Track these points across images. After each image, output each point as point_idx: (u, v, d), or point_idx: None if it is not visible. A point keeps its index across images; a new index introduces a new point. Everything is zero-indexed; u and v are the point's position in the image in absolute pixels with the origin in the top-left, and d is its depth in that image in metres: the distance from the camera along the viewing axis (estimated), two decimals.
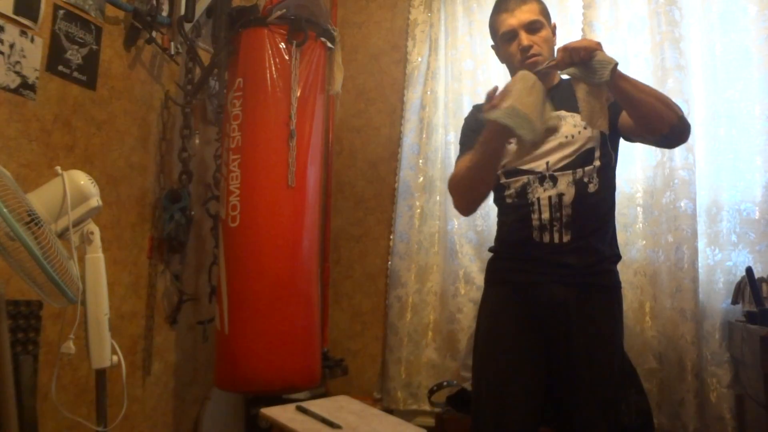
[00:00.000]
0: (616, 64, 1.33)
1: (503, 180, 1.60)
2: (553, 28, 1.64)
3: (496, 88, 1.38)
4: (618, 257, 1.61)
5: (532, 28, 1.57)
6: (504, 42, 1.61)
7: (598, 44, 1.36)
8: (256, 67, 2.18)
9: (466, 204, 1.61)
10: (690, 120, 2.15)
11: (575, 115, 1.50)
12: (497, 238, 1.67)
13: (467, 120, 1.73)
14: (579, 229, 1.51)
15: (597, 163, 1.53)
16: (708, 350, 2.08)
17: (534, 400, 1.51)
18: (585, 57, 1.33)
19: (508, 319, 1.55)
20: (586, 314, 1.49)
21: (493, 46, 1.70)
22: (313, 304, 2.21)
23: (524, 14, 1.57)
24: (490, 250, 1.68)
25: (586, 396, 1.48)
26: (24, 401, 1.64)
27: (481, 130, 1.47)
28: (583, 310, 1.49)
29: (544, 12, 1.63)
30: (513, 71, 1.62)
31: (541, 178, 1.53)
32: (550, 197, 1.52)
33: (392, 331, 2.62)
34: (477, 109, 1.72)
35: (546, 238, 1.52)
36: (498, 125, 1.34)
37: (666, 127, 1.42)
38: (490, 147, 1.44)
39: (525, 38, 1.56)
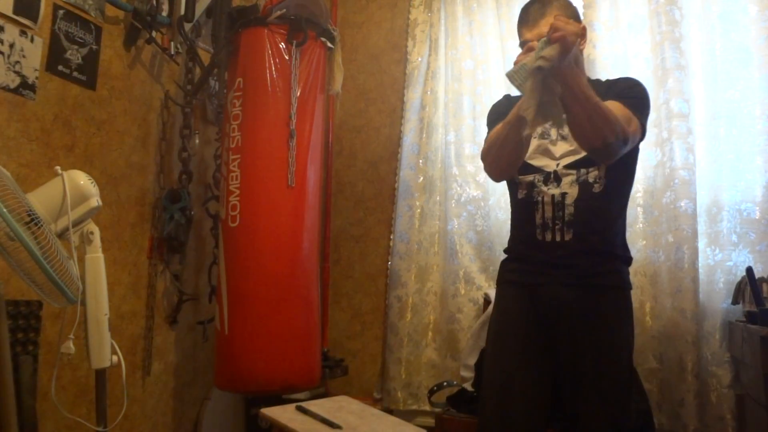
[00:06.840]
0: (551, 66, 1.27)
1: (517, 177, 1.61)
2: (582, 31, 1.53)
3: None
4: (628, 258, 1.62)
5: None
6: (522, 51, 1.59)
7: (573, 41, 1.28)
8: (256, 67, 2.18)
9: (498, 166, 1.57)
10: (690, 120, 2.19)
11: None
12: (510, 238, 1.70)
13: (498, 103, 1.73)
14: (581, 229, 1.51)
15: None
16: (708, 350, 2.08)
17: (539, 402, 1.51)
18: (555, 40, 1.27)
19: (516, 320, 1.56)
20: (590, 315, 1.50)
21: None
22: (313, 304, 2.21)
23: (543, 28, 1.52)
24: (505, 251, 1.70)
25: (591, 398, 1.48)
26: (24, 401, 1.63)
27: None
28: (587, 312, 1.49)
29: (570, 17, 1.55)
30: None
31: (546, 177, 1.54)
32: (553, 196, 1.53)
33: (392, 331, 2.62)
34: (508, 98, 1.74)
35: (548, 237, 1.53)
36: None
37: (585, 147, 1.43)
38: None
39: None
